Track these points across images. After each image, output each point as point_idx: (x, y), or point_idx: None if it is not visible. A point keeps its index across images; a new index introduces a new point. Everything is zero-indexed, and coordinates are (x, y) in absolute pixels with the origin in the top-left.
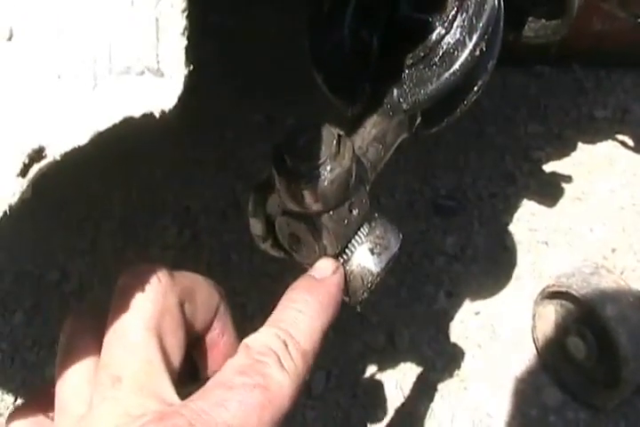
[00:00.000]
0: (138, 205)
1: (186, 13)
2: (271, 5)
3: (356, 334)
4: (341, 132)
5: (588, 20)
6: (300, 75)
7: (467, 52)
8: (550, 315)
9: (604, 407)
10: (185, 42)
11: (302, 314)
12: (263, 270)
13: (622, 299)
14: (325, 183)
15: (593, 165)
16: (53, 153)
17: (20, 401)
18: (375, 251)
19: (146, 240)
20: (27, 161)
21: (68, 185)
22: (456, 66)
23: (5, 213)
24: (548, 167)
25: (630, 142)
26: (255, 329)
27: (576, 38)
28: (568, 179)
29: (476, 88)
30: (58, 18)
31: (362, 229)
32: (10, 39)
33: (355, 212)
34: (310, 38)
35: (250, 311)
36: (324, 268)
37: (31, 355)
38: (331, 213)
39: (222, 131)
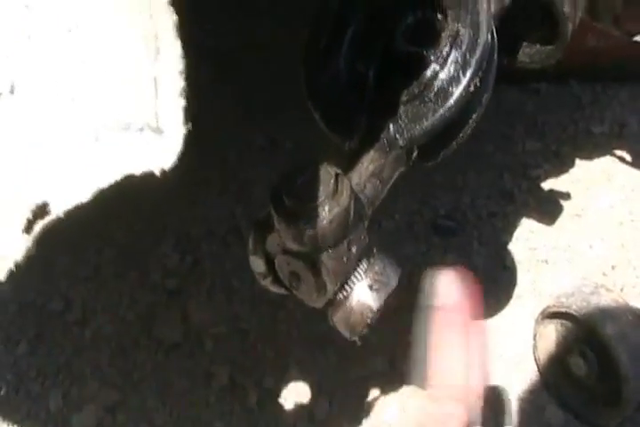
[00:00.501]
0: (139, 231)
1: (183, 75)
2: (269, 23)
3: (358, 357)
4: (339, 171)
5: (583, 37)
6: (301, 95)
7: (461, 88)
8: (551, 334)
9: (606, 426)
10: (183, 102)
11: None
12: (265, 297)
13: (622, 318)
14: (324, 223)
15: (591, 182)
16: (56, 210)
17: None
18: (374, 287)
19: (147, 267)
20: (31, 217)
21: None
22: (451, 102)
23: (12, 271)
24: (547, 185)
25: (628, 157)
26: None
27: (572, 55)
28: (567, 196)
29: (471, 121)
30: (59, 73)
31: (361, 266)
32: (12, 92)
33: (353, 249)
34: (306, 72)
35: (252, 338)
36: None
37: (35, 385)
38: (330, 250)
39: (223, 153)
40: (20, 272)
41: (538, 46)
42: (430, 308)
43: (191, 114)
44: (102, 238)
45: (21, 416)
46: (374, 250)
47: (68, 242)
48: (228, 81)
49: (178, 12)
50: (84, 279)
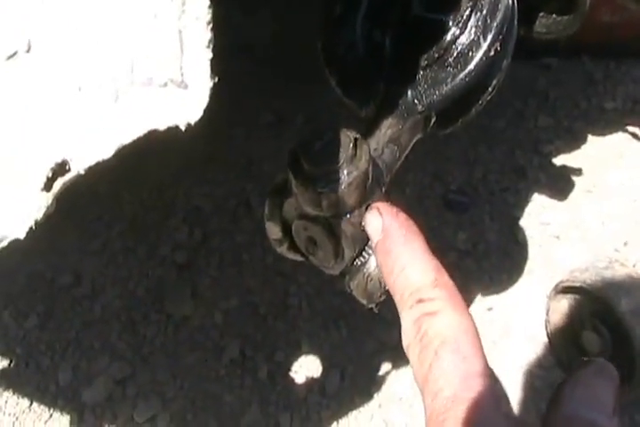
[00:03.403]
0: (148, 206)
1: (211, 26)
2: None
3: (370, 331)
4: (358, 135)
5: (596, 12)
6: (309, 72)
7: (481, 52)
8: (564, 309)
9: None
10: (210, 54)
11: None
12: (275, 270)
13: (636, 293)
14: (343, 187)
15: (603, 158)
16: (77, 167)
17: None
18: None
19: (157, 240)
20: (50, 175)
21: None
22: (471, 66)
23: (31, 228)
24: (559, 160)
25: None
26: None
27: (585, 29)
28: (578, 172)
29: (490, 88)
30: (77, 29)
31: None
32: (28, 51)
33: None
34: (323, 40)
35: (262, 311)
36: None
37: (45, 359)
38: (348, 215)
39: (232, 129)
40: (25, 249)
41: (554, 16)
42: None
43: (218, 68)
44: (112, 212)
45: (31, 390)
46: None
47: (76, 216)
48: (236, 56)
49: None
50: (94, 253)
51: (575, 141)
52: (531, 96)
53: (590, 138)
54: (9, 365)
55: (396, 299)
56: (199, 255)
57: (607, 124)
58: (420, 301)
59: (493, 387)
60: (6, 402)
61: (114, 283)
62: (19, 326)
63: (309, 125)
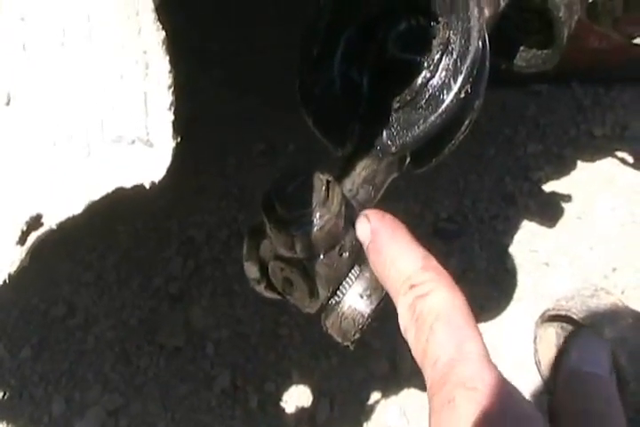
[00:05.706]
0: (142, 236)
1: (172, 89)
2: (269, 27)
3: (359, 360)
4: (330, 178)
5: (584, 39)
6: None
7: (452, 94)
8: (551, 338)
9: None
10: (172, 116)
11: None
12: (265, 300)
13: (621, 321)
14: (315, 229)
15: (593, 184)
16: (50, 222)
17: None
18: (365, 293)
19: (150, 272)
20: (25, 229)
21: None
22: (442, 108)
23: (5, 281)
24: (548, 187)
25: (630, 159)
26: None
27: (573, 56)
28: (568, 198)
29: (463, 128)
30: (54, 86)
31: (353, 271)
32: (8, 104)
33: (345, 255)
34: (300, 79)
35: (253, 342)
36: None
37: (39, 390)
38: (321, 257)
39: (223, 159)
40: (19, 281)
41: (534, 51)
42: None
43: (181, 128)
44: (106, 243)
45: (24, 421)
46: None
47: (70, 248)
48: (228, 85)
49: (166, 28)
50: (87, 284)
51: (565, 168)
52: (520, 123)
53: (580, 164)
54: (3, 396)
55: (391, 292)
56: (191, 286)
57: (596, 150)
58: (412, 286)
59: (485, 349)
60: None
61: (107, 314)
62: (13, 358)
63: (300, 154)
